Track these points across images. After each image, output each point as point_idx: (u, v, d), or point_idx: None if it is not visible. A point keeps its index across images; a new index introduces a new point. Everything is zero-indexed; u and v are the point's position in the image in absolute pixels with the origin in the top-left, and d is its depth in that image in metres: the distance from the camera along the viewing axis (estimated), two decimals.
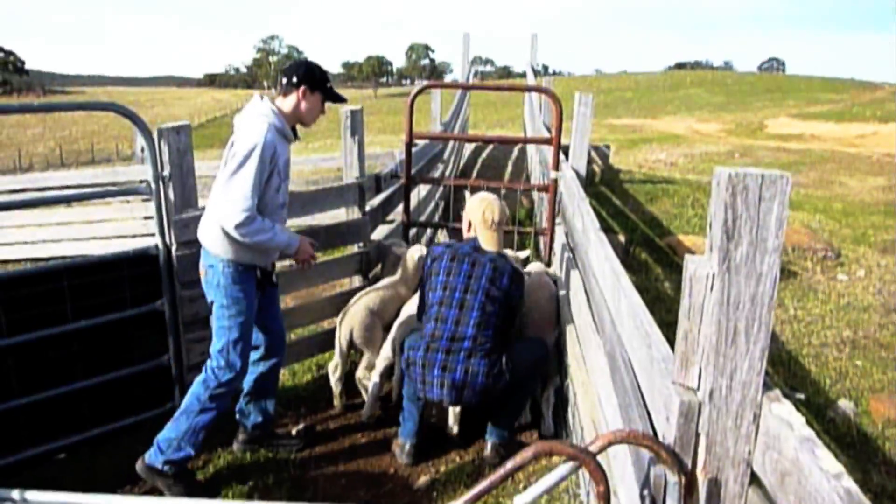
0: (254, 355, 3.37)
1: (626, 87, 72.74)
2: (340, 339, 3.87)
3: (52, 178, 9.34)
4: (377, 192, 4.66)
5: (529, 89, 6.30)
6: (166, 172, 3.44)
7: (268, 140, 2.85)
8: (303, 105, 3.04)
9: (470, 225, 3.41)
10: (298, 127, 3.21)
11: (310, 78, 3.02)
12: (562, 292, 3.95)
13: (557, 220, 4.71)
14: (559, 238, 4.55)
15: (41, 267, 3.40)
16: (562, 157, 4.69)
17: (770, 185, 1.32)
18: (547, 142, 4.78)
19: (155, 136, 3.43)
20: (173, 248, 3.52)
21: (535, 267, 4.25)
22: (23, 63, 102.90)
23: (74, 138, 55.72)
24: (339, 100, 3.23)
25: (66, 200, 3.81)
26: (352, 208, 4.40)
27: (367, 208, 4.46)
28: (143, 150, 8.23)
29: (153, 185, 3.45)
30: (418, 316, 3.43)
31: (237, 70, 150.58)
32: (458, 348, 3.08)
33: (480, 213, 3.38)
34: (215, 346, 3.07)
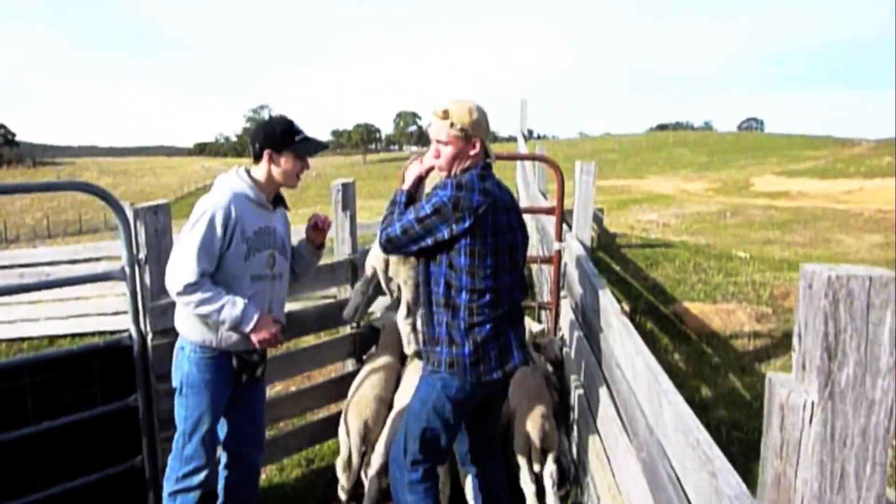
0: (226, 459, 3.05)
1: (611, 149, 74.02)
2: (352, 435, 3.50)
3: (32, 255, 9.00)
4: None
5: (530, 158, 6.16)
6: (142, 255, 3.17)
7: (222, 204, 2.67)
8: (274, 170, 2.80)
9: (476, 144, 2.62)
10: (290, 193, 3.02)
11: (271, 140, 2.78)
12: (573, 376, 3.64)
13: (563, 293, 4.44)
14: (565, 313, 4.27)
15: None
16: (564, 226, 4.46)
17: (881, 289, 1.05)
18: (549, 211, 4.56)
19: (130, 215, 3.17)
20: (149, 338, 3.22)
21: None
22: (14, 135, 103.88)
23: (63, 208, 55.60)
24: (317, 148, 2.89)
25: (31, 290, 3.49)
26: (344, 286, 4.11)
27: None
28: None
29: (128, 270, 3.17)
30: (457, 283, 2.59)
31: (227, 139, 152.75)
32: (515, 316, 2.75)
33: (486, 124, 2.64)
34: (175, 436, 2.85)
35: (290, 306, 4.43)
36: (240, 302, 2.69)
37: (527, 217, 9.50)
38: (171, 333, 3.27)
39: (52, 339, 7.70)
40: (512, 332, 2.70)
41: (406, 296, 3.22)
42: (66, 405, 3.12)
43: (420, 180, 2.82)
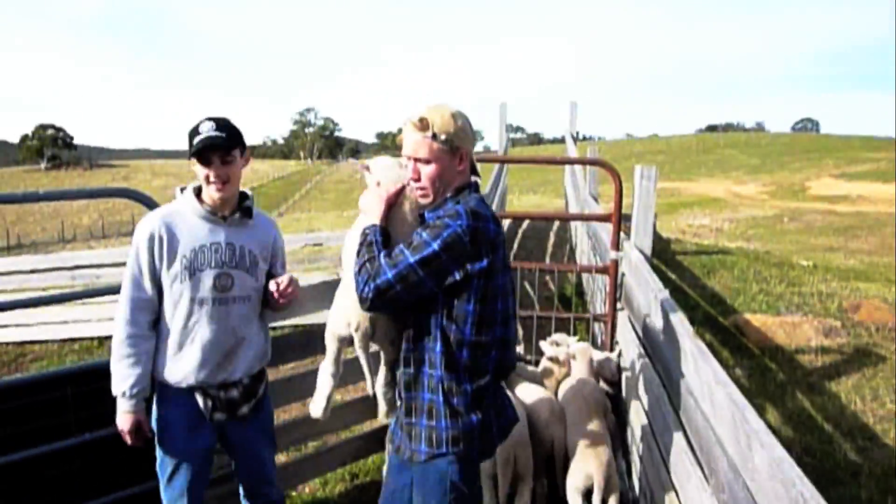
0: (241, 491, 2.86)
1: (658, 151, 72.63)
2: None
3: (85, 257, 9.18)
4: None
5: (585, 162, 5.91)
6: None
7: (146, 226, 2.47)
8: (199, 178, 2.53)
9: (463, 157, 2.18)
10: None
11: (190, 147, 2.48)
12: (631, 397, 3.41)
13: (619, 305, 4.21)
14: (622, 327, 4.03)
15: (42, 374, 3.02)
16: (621, 234, 4.23)
17: None
18: (605, 218, 4.34)
19: None
20: None
21: (581, 370, 3.63)
22: (71, 138, 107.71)
23: (117, 209, 57.31)
24: (206, 148, 2.43)
25: (80, 298, 3.40)
26: None
27: None
28: None
29: None
30: (461, 329, 2.11)
31: (274, 141, 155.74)
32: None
33: (472, 132, 2.22)
34: None
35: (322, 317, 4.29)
36: (130, 379, 2.46)
37: (575, 223, 9.23)
38: None
39: (103, 340, 7.79)
40: (503, 386, 2.38)
41: (388, 356, 2.38)
42: (110, 416, 3.05)
43: (390, 207, 2.24)
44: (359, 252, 2.14)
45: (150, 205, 3.07)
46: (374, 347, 2.39)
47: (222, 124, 2.48)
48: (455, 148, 2.12)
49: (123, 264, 2.67)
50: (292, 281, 2.61)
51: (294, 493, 3.84)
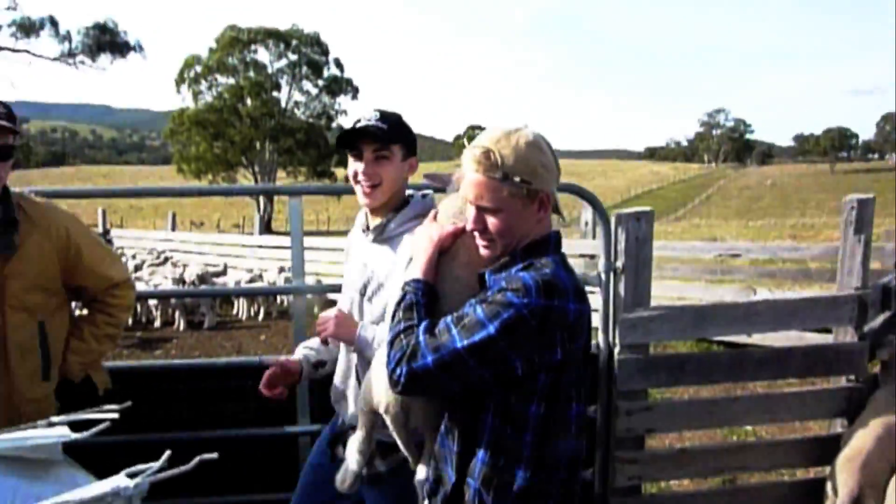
0: None
1: None
2: (843, 497, 2.84)
3: None
4: (882, 308, 3.48)
5: None
6: (619, 264, 3.03)
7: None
8: None
9: (545, 201, 1.62)
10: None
11: None
12: None
13: None
14: None
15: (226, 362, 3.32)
16: None
17: None
18: None
19: (612, 221, 3.07)
20: (616, 350, 3.06)
21: None
22: None
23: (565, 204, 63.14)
24: (358, 135, 1.99)
25: None
26: (845, 328, 3.35)
27: (866, 329, 3.34)
28: (586, 223, 8.11)
29: (603, 277, 3.09)
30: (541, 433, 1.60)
31: (678, 144, 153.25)
32: None
33: (556, 164, 1.64)
34: None
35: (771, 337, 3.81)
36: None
37: None
38: (639, 349, 3.09)
39: None
40: None
41: (431, 446, 1.90)
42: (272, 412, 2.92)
43: (440, 255, 1.74)
44: (394, 315, 1.66)
45: (595, 203, 3.12)
46: None
47: (388, 116, 2.03)
48: (533, 192, 1.57)
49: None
50: (325, 318, 2.04)
51: None
